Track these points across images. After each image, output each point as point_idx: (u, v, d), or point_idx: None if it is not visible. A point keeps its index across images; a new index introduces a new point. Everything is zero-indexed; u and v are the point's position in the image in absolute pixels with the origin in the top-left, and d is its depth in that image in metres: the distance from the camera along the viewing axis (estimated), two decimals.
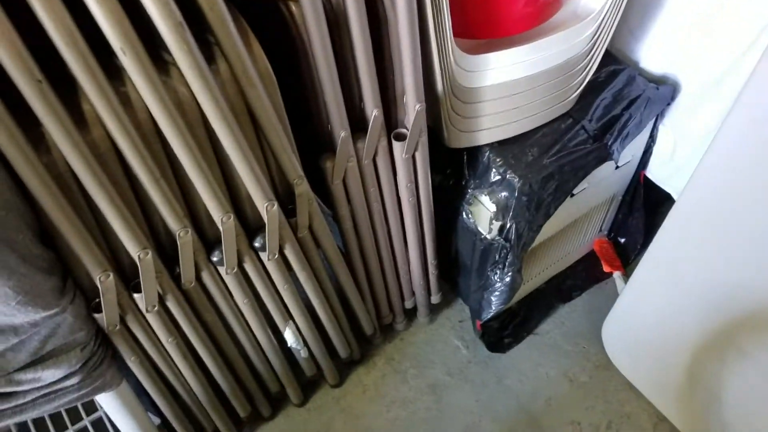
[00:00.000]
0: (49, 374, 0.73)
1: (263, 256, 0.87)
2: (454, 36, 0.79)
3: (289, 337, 1.02)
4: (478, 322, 1.20)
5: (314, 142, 0.87)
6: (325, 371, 1.16)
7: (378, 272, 1.09)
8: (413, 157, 0.92)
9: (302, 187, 0.83)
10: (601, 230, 1.32)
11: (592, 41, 0.90)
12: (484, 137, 0.94)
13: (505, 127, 0.94)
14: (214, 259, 0.83)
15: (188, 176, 0.72)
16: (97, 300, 0.75)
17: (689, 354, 0.98)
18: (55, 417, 1.09)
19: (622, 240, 1.34)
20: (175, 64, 0.63)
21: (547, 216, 1.01)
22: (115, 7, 0.56)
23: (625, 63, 1.06)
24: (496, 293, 1.10)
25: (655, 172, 1.17)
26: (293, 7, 0.72)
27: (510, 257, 1.03)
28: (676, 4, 0.97)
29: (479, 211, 1.02)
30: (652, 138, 1.14)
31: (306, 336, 1.04)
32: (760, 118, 0.71)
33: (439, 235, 1.09)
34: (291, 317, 1.00)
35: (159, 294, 0.80)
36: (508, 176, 0.94)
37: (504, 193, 0.96)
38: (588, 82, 0.97)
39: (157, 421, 1.03)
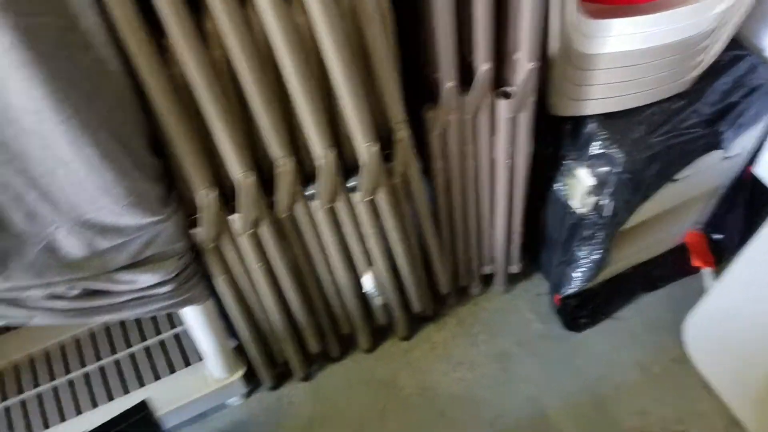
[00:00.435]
0: (145, 278, 0.77)
1: (355, 197, 0.88)
2: None
3: (368, 282, 1.03)
4: (557, 297, 1.18)
5: (416, 91, 0.87)
6: (396, 322, 1.17)
7: (462, 232, 1.09)
8: (517, 118, 0.90)
9: (403, 133, 0.83)
10: (696, 222, 1.26)
11: (721, 19, 0.85)
12: (592, 107, 0.92)
13: (615, 99, 0.91)
14: (308, 193, 0.85)
15: (297, 106, 0.73)
16: (195, 216, 0.79)
17: None
18: (138, 327, 1.15)
19: (717, 236, 1.28)
20: None
21: (645, 198, 0.98)
22: None
23: (750, 50, 1.01)
24: (580, 270, 1.08)
25: (764, 170, 1.11)
26: None
27: (600, 235, 1.01)
28: None
29: (574, 183, 0.99)
30: (766, 133, 1.08)
31: (383, 284, 1.06)
32: None
33: (527, 203, 1.08)
34: (372, 263, 1.01)
35: (253, 219, 0.83)
36: (610, 151, 0.91)
37: (604, 168, 0.94)
38: (709, 63, 0.92)
39: (232, 344, 1.08)
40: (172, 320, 1.16)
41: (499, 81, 0.87)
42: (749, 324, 0.98)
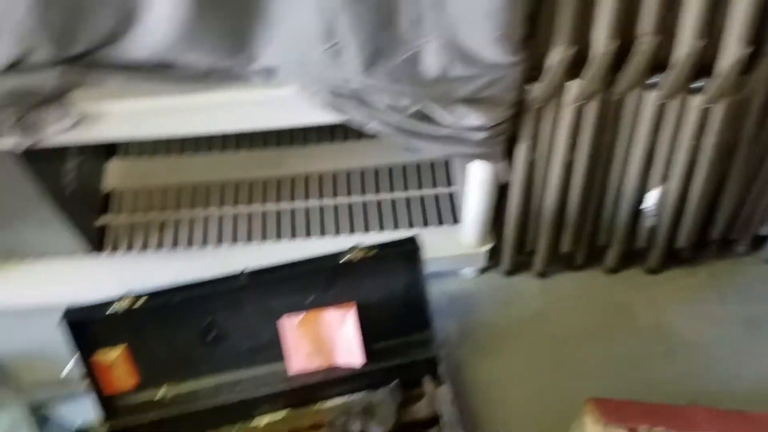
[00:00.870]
0: (472, 118, 0.79)
1: (693, 101, 0.83)
2: None
3: (652, 198, 0.99)
4: None
5: None
6: (652, 251, 1.13)
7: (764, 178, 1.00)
8: None
9: None
10: None
11: None
12: None
13: None
14: (649, 82, 0.81)
15: None
16: (535, 72, 0.78)
17: None
18: (404, 176, 1.20)
19: None
20: None
21: None
22: None
23: None
24: None
25: None
26: None
27: None
28: None
29: None
30: None
31: (666, 205, 1.01)
32: None
33: None
34: (668, 178, 0.96)
35: (589, 92, 0.81)
36: None
37: None
38: None
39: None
40: (436, 178, 1.19)
41: None
42: None
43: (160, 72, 0.74)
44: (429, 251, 1.09)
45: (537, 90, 0.80)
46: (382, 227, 1.14)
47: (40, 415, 0.94)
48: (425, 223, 1.14)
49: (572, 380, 1.09)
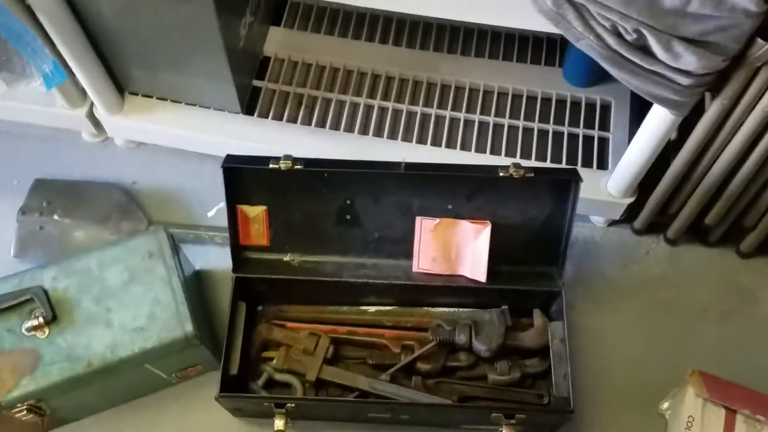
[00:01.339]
0: (689, 60, 0.75)
1: None
2: None
3: None
4: None
5: None
6: None
7: None
8: None
9: None
10: None
11: None
12: None
13: None
14: None
15: None
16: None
17: None
18: (561, 109, 1.17)
19: None
20: None
21: None
22: None
23: None
24: None
25: None
26: None
27: None
28: None
29: None
30: None
31: None
32: None
33: None
34: None
35: None
36: None
37: None
38: None
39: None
40: (590, 119, 1.16)
41: None
42: None
43: None
44: None
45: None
46: (527, 155, 1.13)
47: (175, 246, 0.99)
48: (571, 162, 1.12)
49: (680, 351, 1.08)
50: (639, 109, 1.15)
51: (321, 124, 1.17)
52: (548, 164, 1.11)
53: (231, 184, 0.95)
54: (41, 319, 0.90)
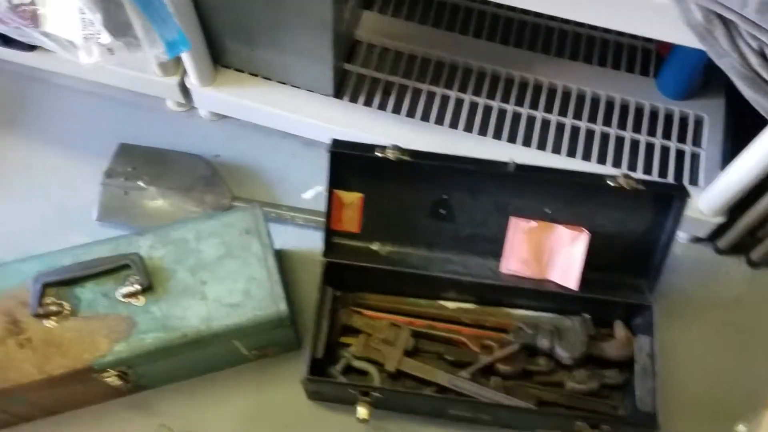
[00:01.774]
0: None
1: None
2: None
3: None
4: None
5: None
6: None
7: None
8: None
9: None
10: None
11: None
12: None
13: None
14: None
15: None
16: None
17: None
18: (652, 120, 1.15)
19: None
20: None
21: None
22: None
23: None
24: None
25: None
26: None
27: None
28: None
29: None
30: None
31: None
32: None
33: None
34: None
35: None
36: None
37: None
38: None
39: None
40: (684, 134, 1.15)
41: None
42: None
43: None
44: None
45: None
46: (617, 164, 1.12)
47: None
48: (662, 175, 1.11)
49: (757, 374, 1.07)
50: (734, 127, 1.14)
51: (410, 113, 1.16)
52: (640, 175, 1.10)
53: (333, 168, 0.94)
54: (138, 287, 0.90)
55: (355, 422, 0.92)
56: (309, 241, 1.11)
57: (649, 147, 1.14)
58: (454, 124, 1.15)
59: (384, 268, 1.02)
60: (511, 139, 1.14)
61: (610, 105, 1.17)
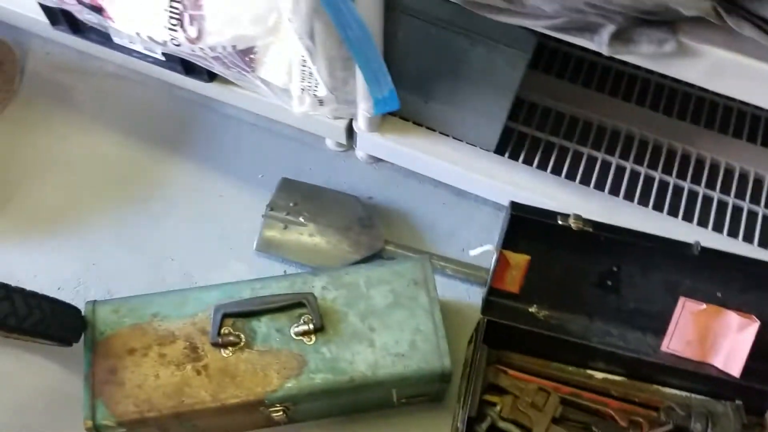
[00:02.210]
0: None
1: None
2: None
3: None
4: None
5: None
6: None
7: None
8: None
9: None
10: None
11: None
12: None
13: None
14: None
15: None
16: None
17: None
18: None
19: None
20: None
21: None
22: None
23: None
24: None
25: None
26: None
27: None
28: None
29: None
30: None
31: None
32: None
33: None
34: None
35: None
36: None
37: None
38: None
39: None
40: None
41: None
42: None
43: None
44: None
45: None
46: None
47: None
48: None
49: None
50: None
51: (570, 176, 1.16)
52: None
53: (508, 230, 0.95)
54: (311, 326, 0.93)
55: None
56: (454, 291, 1.12)
57: None
58: (613, 191, 1.15)
59: (543, 333, 1.02)
60: (673, 212, 1.13)
61: None
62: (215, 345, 0.92)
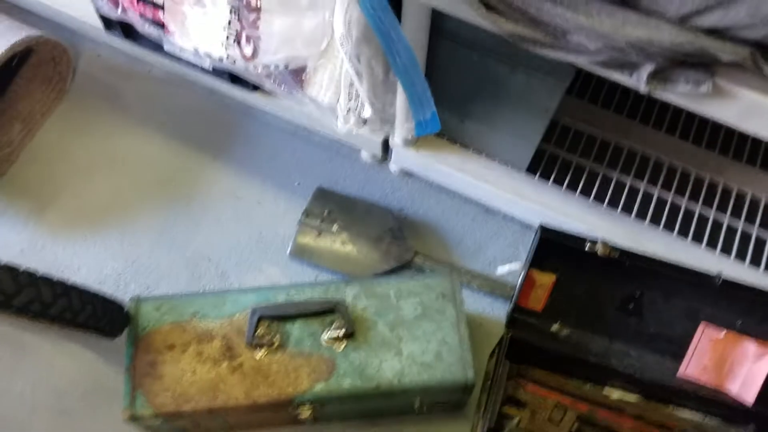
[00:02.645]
0: None
1: None
2: None
3: None
4: None
5: None
6: None
7: None
8: None
9: None
10: None
11: None
12: None
13: None
14: None
15: None
16: None
17: None
18: None
19: None
20: None
21: None
22: None
23: None
24: None
25: None
26: None
27: None
28: None
29: None
30: None
31: None
32: None
33: None
34: None
35: None
36: None
37: None
38: None
39: None
40: None
41: None
42: None
43: None
44: None
45: None
46: None
47: None
48: None
49: None
50: None
51: (599, 199, 1.19)
52: None
53: (537, 251, 0.99)
54: (342, 332, 0.97)
55: None
56: (478, 305, 1.16)
57: None
58: (641, 216, 1.17)
59: (555, 350, 1.05)
60: (698, 239, 1.15)
61: None
62: (250, 345, 0.97)
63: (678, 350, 1.04)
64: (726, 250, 1.15)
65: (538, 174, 1.21)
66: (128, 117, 1.36)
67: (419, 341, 0.98)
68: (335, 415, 1.06)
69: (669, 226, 1.17)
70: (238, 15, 0.82)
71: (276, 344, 0.97)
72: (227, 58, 0.85)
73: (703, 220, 1.18)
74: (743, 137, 1.26)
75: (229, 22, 0.82)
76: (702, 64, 0.76)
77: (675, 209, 1.18)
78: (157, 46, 1.16)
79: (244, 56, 0.84)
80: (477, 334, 1.13)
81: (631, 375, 1.05)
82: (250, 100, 1.28)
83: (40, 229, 1.24)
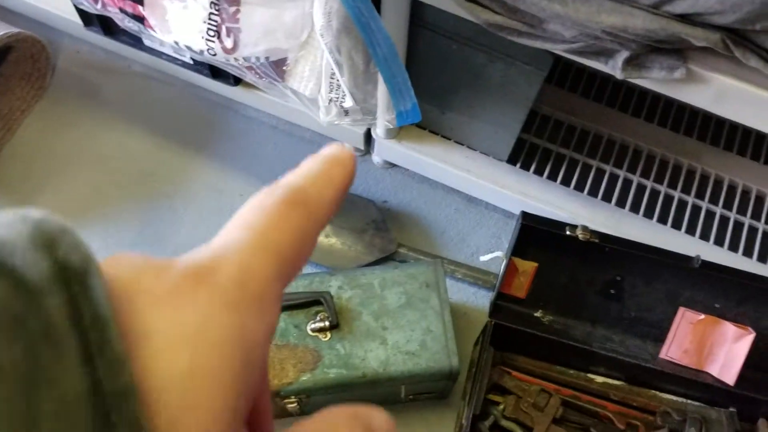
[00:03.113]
0: None
1: None
2: None
3: None
4: None
5: None
6: None
7: None
8: None
9: None
10: None
11: None
12: None
13: None
14: None
15: None
16: None
17: None
18: None
19: None
20: None
21: None
22: None
23: None
24: None
25: None
26: None
27: None
28: None
29: None
30: None
31: None
32: None
33: None
34: None
35: None
36: None
37: None
38: None
39: None
40: None
41: None
42: None
43: None
44: None
45: None
46: None
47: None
48: None
49: None
50: None
51: (578, 187, 1.21)
52: None
53: (518, 238, 1.00)
54: (327, 323, 0.98)
55: None
56: (462, 294, 1.17)
57: None
58: (620, 203, 1.19)
59: (547, 336, 1.06)
60: (677, 226, 1.17)
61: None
62: None
63: (659, 334, 1.06)
64: (705, 235, 1.17)
65: (519, 163, 1.22)
66: (109, 113, 1.36)
67: (404, 330, 0.99)
68: (322, 405, 1.06)
69: (648, 213, 1.19)
70: (218, 7, 0.82)
71: None
72: (208, 50, 0.85)
73: (681, 206, 1.20)
74: (720, 123, 1.28)
75: (210, 15, 0.82)
76: (675, 50, 0.77)
77: (654, 195, 1.20)
78: (136, 41, 1.16)
79: (224, 49, 0.84)
80: (461, 324, 1.14)
81: (613, 359, 1.06)
82: (231, 94, 1.28)
83: None
